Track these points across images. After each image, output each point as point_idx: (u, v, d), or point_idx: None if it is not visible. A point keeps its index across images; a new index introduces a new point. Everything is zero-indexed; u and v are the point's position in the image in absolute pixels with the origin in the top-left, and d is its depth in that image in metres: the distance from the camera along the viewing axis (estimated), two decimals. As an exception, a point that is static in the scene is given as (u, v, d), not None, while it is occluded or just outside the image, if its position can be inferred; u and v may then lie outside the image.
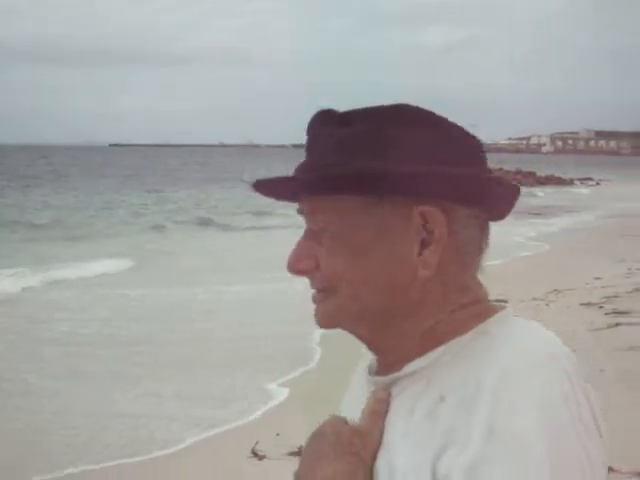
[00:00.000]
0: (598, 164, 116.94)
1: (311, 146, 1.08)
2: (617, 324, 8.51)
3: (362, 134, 1.03)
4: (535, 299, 10.52)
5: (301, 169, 1.07)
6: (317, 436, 1.06)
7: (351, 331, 1.10)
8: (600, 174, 67.53)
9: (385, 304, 1.06)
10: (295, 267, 1.08)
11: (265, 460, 5.39)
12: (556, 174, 59.51)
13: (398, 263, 1.04)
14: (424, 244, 1.04)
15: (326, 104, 1.07)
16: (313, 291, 1.10)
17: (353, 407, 1.11)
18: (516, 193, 1.10)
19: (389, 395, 1.06)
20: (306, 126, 1.10)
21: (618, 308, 9.35)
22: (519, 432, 0.91)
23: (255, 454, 5.41)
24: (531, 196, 37.21)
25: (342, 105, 1.08)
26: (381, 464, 1.01)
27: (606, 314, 9.09)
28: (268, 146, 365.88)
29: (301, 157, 1.09)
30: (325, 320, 1.09)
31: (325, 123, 1.06)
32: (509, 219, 1.17)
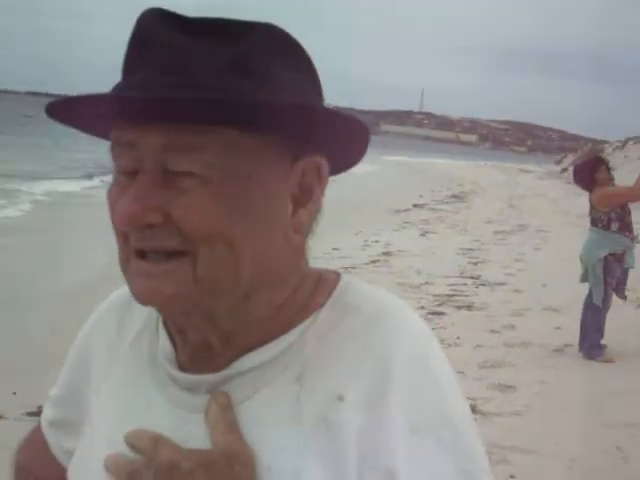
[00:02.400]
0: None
1: (162, 58, 0.81)
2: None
3: (255, 56, 0.82)
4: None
5: (152, 85, 0.80)
6: (174, 474, 0.80)
7: (201, 311, 0.85)
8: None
9: (254, 273, 0.85)
10: (142, 218, 0.80)
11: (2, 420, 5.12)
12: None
13: (274, 222, 0.86)
14: (296, 202, 0.88)
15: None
16: (129, 256, 0.84)
17: (133, 395, 0.94)
18: (366, 135, 0.91)
19: (229, 400, 0.86)
20: (137, 26, 0.84)
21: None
22: (444, 419, 0.85)
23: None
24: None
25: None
26: None
27: (344, 283, 9.38)
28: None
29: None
30: (175, 293, 0.82)
31: (183, 30, 0.82)
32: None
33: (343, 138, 0.89)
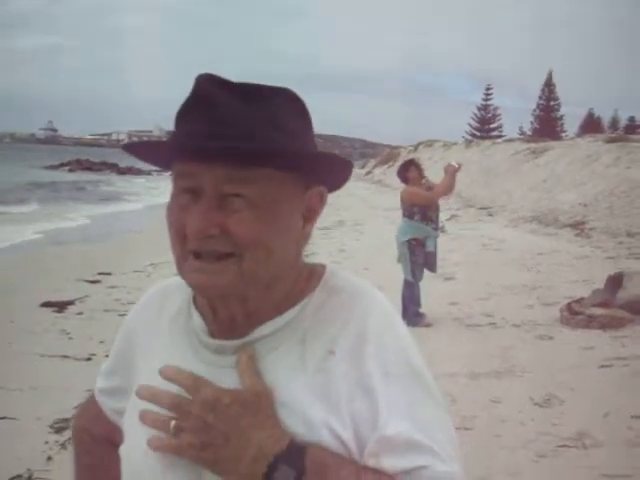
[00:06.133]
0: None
1: (220, 114, 0.96)
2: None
3: (286, 114, 0.99)
4: (136, 271, 10.64)
5: (214, 135, 0.94)
6: (217, 407, 0.95)
7: (238, 295, 1.00)
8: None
9: (281, 269, 1.02)
10: (207, 232, 0.95)
11: None
12: (136, 166, 60.03)
13: (294, 234, 1.03)
14: (305, 219, 1.04)
15: None
16: (191, 257, 0.97)
17: (175, 358, 1.06)
18: (350, 168, 1.08)
19: (254, 353, 1.01)
20: (195, 87, 0.99)
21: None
22: (407, 364, 1.00)
23: None
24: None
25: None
26: (291, 421, 0.96)
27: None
28: None
29: None
30: (227, 284, 0.97)
31: (231, 93, 0.97)
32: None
33: (336, 171, 1.07)
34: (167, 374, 1.00)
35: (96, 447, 1.29)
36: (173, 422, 0.97)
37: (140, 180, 42.29)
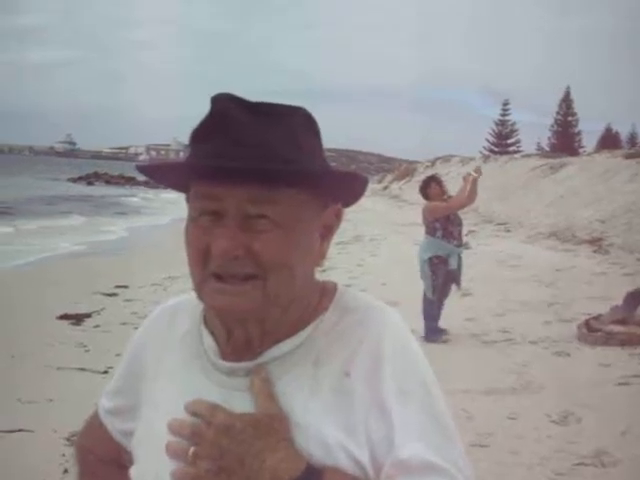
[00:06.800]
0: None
1: (241, 135, 0.94)
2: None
3: (303, 133, 0.99)
4: (154, 284, 10.68)
5: (238, 156, 0.93)
6: (231, 431, 0.94)
7: (258, 317, 0.99)
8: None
9: (301, 289, 1.01)
10: (233, 252, 0.94)
11: None
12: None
13: (312, 253, 1.03)
14: (322, 237, 1.04)
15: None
16: (214, 281, 0.96)
17: (186, 378, 1.06)
18: (366, 184, 1.06)
19: (268, 374, 1.00)
20: (213, 107, 0.97)
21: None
22: (422, 385, 0.99)
23: None
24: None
25: None
26: (307, 443, 0.95)
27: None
28: None
29: None
30: (251, 306, 0.96)
31: (250, 112, 0.95)
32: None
33: (352, 187, 1.05)
34: (188, 407, 0.98)
35: (101, 468, 1.26)
36: (192, 449, 0.96)
37: (168, 196, 42.78)
